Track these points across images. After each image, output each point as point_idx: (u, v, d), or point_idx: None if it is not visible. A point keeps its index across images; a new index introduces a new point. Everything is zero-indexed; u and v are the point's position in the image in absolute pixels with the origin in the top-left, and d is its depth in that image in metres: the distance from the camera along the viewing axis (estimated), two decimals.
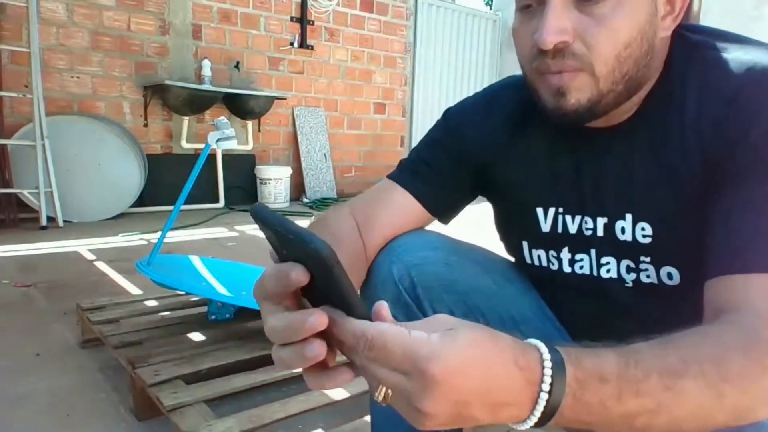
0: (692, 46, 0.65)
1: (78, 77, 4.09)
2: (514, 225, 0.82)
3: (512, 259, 0.85)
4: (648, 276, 0.69)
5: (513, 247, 0.83)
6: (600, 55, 0.60)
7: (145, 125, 4.41)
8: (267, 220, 0.44)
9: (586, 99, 0.62)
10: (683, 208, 0.63)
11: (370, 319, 0.43)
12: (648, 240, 0.67)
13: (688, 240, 0.63)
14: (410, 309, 0.76)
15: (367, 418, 1.22)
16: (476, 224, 1.54)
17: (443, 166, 0.80)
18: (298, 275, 0.42)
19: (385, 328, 0.41)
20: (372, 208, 0.79)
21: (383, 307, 0.44)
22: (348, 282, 0.42)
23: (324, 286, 0.43)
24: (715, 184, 0.59)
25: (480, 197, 0.86)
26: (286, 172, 4.93)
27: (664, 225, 0.66)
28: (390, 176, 0.83)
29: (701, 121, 0.61)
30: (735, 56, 0.61)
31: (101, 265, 2.69)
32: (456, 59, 6.61)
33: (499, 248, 0.88)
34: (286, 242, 0.43)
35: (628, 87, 0.63)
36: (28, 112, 3.61)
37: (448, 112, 0.84)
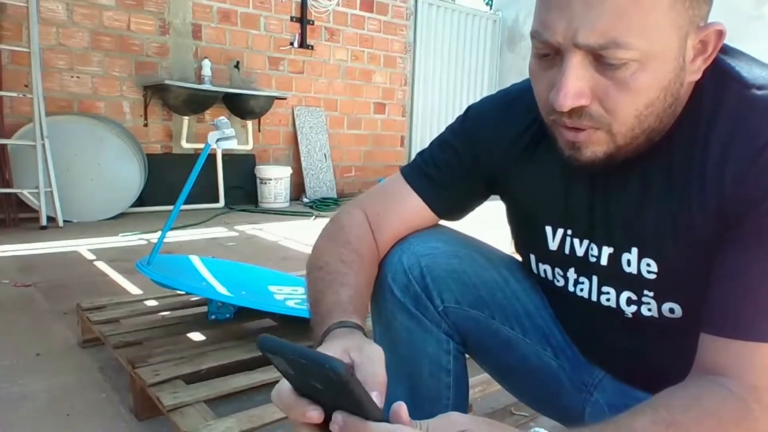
0: (727, 79, 0.60)
1: (78, 77, 4.09)
2: (523, 236, 0.82)
3: (518, 257, 0.86)
4: (649, 309, 0.68)
5: (522, 253, 0.84)
6: (618, 117, 0.57)
7: (145, 125, 4.41)
8: (277, 349, 0.47)
9: (602, 152, 0.60)
10: (692, 251, 0.62)
11: (388, 422, 0.47)
12: (653, 276, 0.66)
13: (692, 279, 0.62)
14: (419, 298, 0.77)
15: None
16: (482, 222, 1.54)
17: (454, 171, 0.80)
18: (312, 417, 0.48)
19: (405, 431, 0.45)
20: (383, 209, 0.81)
21: (402, 408, 0.47)
22: (363, 390, 0.46)
23: (338, 396, 0.47)
24: (728, 238, 0.58)
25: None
26: (286, 172, 4.93)
27: (670, 264, 0.64)
28: (403, 172, 0.83)
29: (723, 171, 0.58)
30: None
31: (101, 265, 2.69)
32: (456, 59, 6.61)
33: (501, 247, 0.88)
34: (299, 366, 0.47)
35: (650, 137, 0.60)
36: (28, 112, 3.61)
37: (468, 112, 0.82)
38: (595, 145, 0.60)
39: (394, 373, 0.80)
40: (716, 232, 0.59)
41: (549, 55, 0.59)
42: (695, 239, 0.61)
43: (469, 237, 0.85)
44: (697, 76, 0.60)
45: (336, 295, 0.69)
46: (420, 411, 0.83)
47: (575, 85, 0.56)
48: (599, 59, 0.55)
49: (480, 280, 0.79)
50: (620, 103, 0.56)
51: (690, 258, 0.62)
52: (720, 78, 0.61)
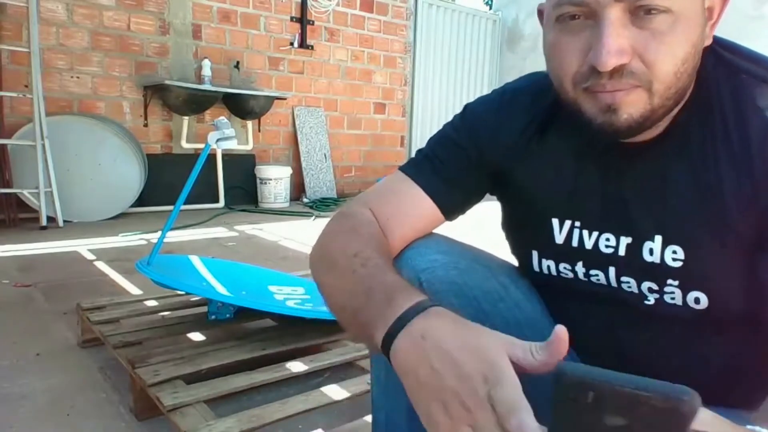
0: (726, 65, 0.62)
1: (78, 77, 4.09)
2: (525, 232, 0.80)
3: (515, 262, 0.84)
4: (673, 298, 0.66)
5: (520, 252, 0.82)
6: (659, 73, 0.57)
7: (145, 125, 4.41)
8: (592, 379, 0.37)
9: (638, 114, 0.58)
10: (721, 235, 0.60)
11: None
12: (679, 264, 0.64)
13: (721, 266, 0.61)
14: None
15: (367, 418, 1.22)
16: (476, 225, 1.54)
17: (459, 167, 0.78)
18: None
19: None
20: (390, 206, 0.78)
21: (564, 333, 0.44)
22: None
23: None
24: None
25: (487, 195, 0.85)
26: (286, 172, 4.93)
27: (697, 250, 0.62)
28: (405, 171, 0.80)
29: (751, 157, 0.58)
30: None
31: (101, 265, 2.69)
32: (456, 59, 6.61)
33: (498, 250, 0.88)
34: (617, 399, 0.36)
35: (676, 100, 0.60)
36: (28, 112, 3.61)
37: (466, 110, 0.81)
38: (633, 106, 0.58)
39: (394, 390, 0.78)
40: (754, 226, 0.58)
41: (577, 17, 0.58)
42: (727, 222, 0.60)
43: (466, 245, 0.82)
44: (709, 41, 0.61)
45: (398, 276, 0.62)
46: (421, 426, 0.82)
47: (617, 42, 0.55)
48: (635, 13, 0.55)
49: (481, 291, 0.76)
50: (660, 56, 0.56)
51: (720, 243, 0.61)
52: (718, 60, 0.63)
